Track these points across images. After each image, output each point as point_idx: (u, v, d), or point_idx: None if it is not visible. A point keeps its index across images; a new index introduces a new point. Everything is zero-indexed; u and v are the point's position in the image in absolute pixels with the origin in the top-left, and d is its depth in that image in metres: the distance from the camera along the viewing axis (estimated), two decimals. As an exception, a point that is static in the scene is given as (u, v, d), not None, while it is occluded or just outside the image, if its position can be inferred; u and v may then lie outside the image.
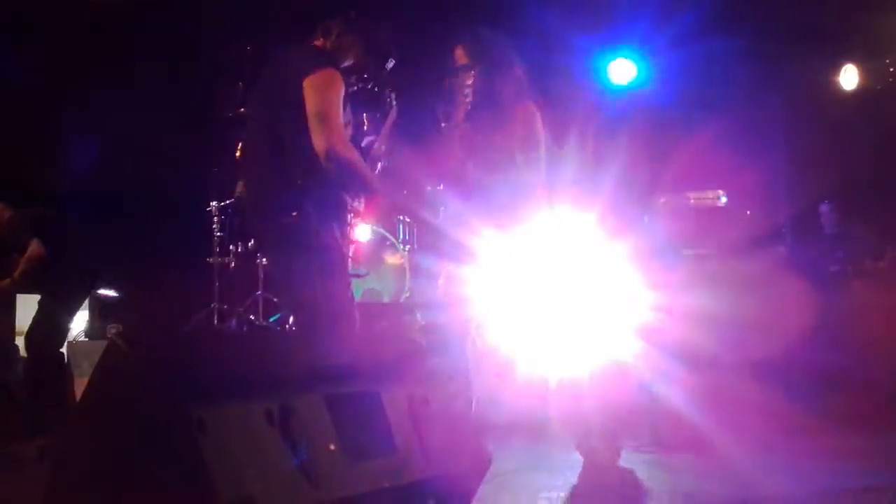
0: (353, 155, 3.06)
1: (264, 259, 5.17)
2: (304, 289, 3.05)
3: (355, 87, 3.33)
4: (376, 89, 3.78)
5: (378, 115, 4.15)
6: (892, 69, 6.75)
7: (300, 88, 3.02)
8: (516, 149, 3.33)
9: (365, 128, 4.18)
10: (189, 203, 5.94)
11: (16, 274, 5.43)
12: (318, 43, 3.26)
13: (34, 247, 5.42)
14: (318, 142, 2.96)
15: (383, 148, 3.60)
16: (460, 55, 3.43)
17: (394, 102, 4.14)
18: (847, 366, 6.25)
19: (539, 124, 3.38)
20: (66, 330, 5.54)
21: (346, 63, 3.24)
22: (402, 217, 5.64)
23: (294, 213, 3.04)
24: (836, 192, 6.80)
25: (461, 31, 3.50)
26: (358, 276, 4.75)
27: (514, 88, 3.39)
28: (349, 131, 3.18)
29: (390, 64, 3.38)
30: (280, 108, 3.10)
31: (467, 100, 3.35)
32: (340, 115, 3.05)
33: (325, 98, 3.02)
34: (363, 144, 3.43)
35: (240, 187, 5.42)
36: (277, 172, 3.10)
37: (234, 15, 6.45)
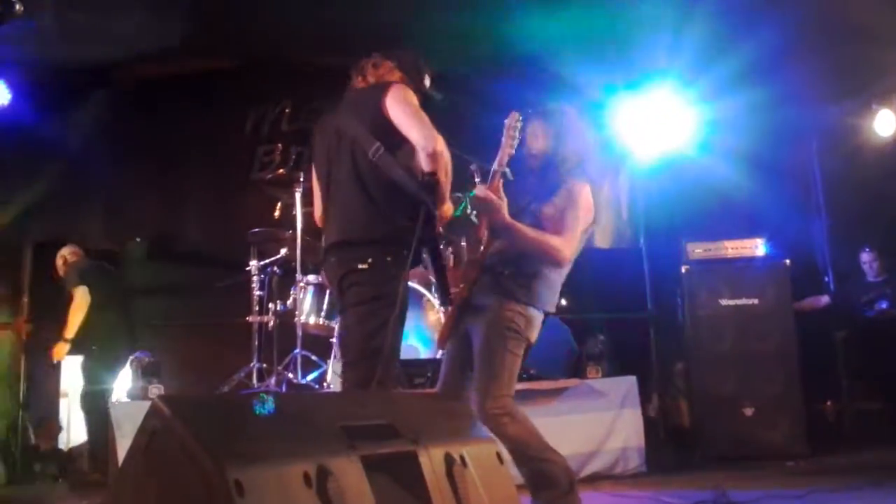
0: (447, 153, 3.07)
1: (302, 318, 5.22)
2: (355, 335, 3.06)
3: None
4: None
5: None
6: (928, 114, 6.67)
7: (381, 119, 3.08)
8: (547, 220, 3.31)
9: None
10: (229, 262, 6.04)
11: (65, 333, 5.60)
12: (363, 83, 3.30)
13: (81, 293, 5.59)
14: (421, 139, 3.00)
15: None
16: (535, 128, 3.43)
17: None
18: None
19: (585, 205, 3.32)
20: (110, 389, 5.66)
21: None
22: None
23: (370, 260, 3.04)
24: (877, 239, 6.70)
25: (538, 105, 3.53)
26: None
27: (573, 160, 3.39)
28: None
29: (428, 81, 3.39)
30: (362, 146, 3.11)
31: (512, 144, 3.32)
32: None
33: (411, 104, 3.10)
34: None
35: (284, 250, 5.52)
36: (363, 220, 3.11)
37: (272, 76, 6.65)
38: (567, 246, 3.24)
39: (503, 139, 3.32)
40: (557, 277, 3.37)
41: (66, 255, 5.90)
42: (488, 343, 3.24)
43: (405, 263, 3.03)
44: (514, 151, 3.33)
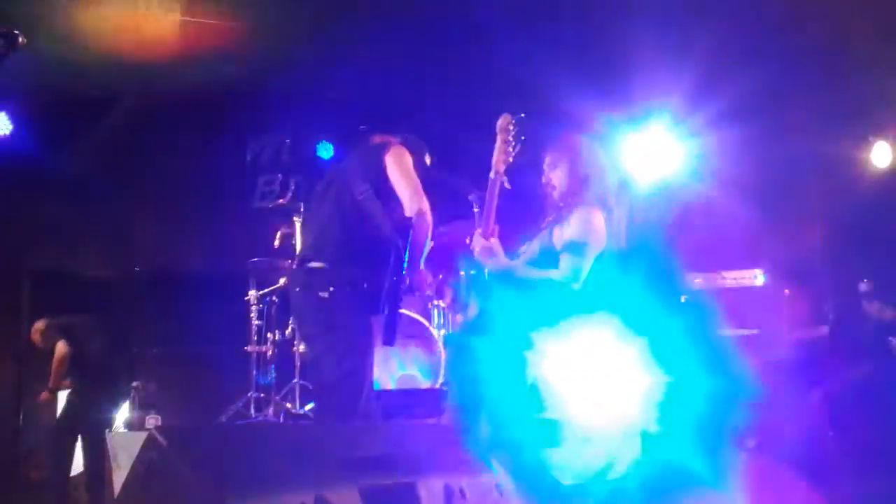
0: (430, 221, 3.32)
1: (301, 347, 5.21)
2: (326, 365, 3.18)
3: None
4: None
5: None
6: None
7: (381, 167, 3.35)
8: (560, 244, 3.29)
9: None
10: (228, 292, 6.03)
11: (50, 383, 5.61)
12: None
13: (59, 347, 5.60)
14: (408, 199, 3.27)
15: None
16: (553, 159, 3.45)
17: None
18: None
19: (595, 230, 3.30)
20: (98, 420, 5.60)
21: None
22: (436, 302, 5.67)
23: (331, 289, 3.16)
24: (875, 270, 6.70)
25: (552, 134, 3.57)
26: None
27: (584, 190, 3.38)
28: None
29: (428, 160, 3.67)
30: (351, 185, 3.34)
31: (510, 153, 3.30)
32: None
33: (407, 166, 3.37)
34: None
35: (283, 280, 5.53)
36: (332, 246, 3.29)
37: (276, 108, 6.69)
38: (578, 278, 3.22)
39: (496, 143, 3.29)
40: None
41: (38, 327, 5.83)
42: None
43: (370, 300, 3.18)
44: (511, 159, 3.30)
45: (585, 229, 3.28)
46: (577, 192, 3.37)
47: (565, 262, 3.25)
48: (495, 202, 3.28)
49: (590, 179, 3.39)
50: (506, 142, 3.29)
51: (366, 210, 3.29)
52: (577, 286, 3.26)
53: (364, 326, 3.20)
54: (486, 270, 3.35)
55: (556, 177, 3.43)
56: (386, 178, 3.34)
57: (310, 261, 3.32)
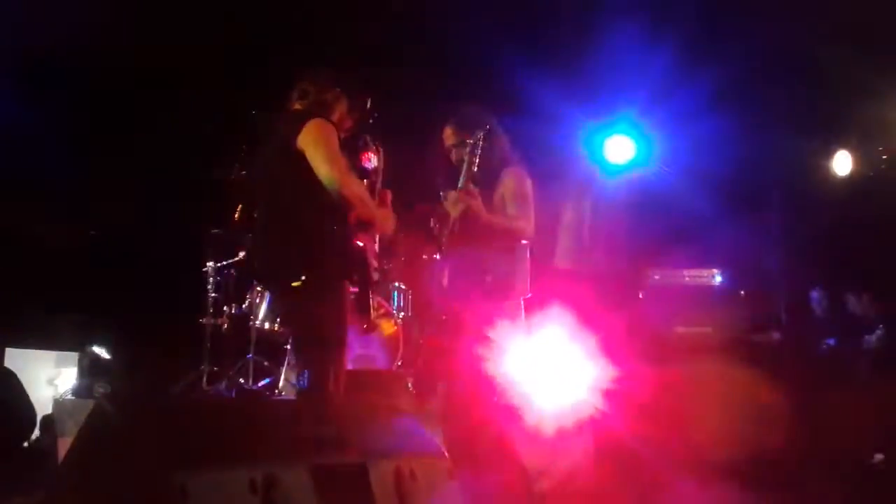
0: (362, 189, 3.22)
1: (257, 322, 5.16)
2: (310, 352, 3.13)
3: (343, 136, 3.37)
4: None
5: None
6: (884, 157, 6.87)
7: (295, 152, 3.09)
8: (507, 207, 3.64)
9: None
10: (185, 263, 5.95)
11: None
12: (299, 106, 3.32)
13: None
14: (330, 182, 3.06)
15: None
16: (448, 134, 3.73)
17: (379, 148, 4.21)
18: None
19: (528, 185, 3.68)
20: None
21: (334, 117, 3.29)
22: (397, 284, 5.66)
23: (303, 278, 3.10)
24: (829, 274, 6.84)
25: (448, 111, 3.81)
26: None
27: (500, 155, 3.71)
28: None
29: (369, 103, 3.48)
30: (279, 177, 3.19)
31: (473, 168, 3.56)
32: (341, 155, 3.16)
33: (324, 143, 3.11)
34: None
35: (242, 253, 5.47)
36: (284, 241, 3.18)
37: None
38: (530, 224, 3.62)
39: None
40: (527, 266, 3.71)
41: None
42: None
43: (339, 275, 3.16)
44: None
45: (521, 186, 3.66)
46: (505, 156, 3.72)
47: (517, 213, 3.61)
48: (475, 164, 3.54)
49: (498, 146, 3.69)
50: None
51: (300, 209, 3.14)
52: (531, 236, 3.63)
53: (342, 306, 3.14)
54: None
55: (480, 148, 3.63)
56: (307, 163, 3.09)
57: (269, 264, 3.27)
